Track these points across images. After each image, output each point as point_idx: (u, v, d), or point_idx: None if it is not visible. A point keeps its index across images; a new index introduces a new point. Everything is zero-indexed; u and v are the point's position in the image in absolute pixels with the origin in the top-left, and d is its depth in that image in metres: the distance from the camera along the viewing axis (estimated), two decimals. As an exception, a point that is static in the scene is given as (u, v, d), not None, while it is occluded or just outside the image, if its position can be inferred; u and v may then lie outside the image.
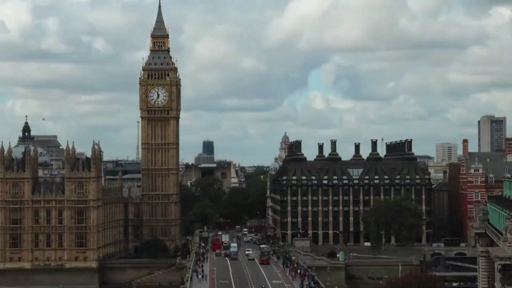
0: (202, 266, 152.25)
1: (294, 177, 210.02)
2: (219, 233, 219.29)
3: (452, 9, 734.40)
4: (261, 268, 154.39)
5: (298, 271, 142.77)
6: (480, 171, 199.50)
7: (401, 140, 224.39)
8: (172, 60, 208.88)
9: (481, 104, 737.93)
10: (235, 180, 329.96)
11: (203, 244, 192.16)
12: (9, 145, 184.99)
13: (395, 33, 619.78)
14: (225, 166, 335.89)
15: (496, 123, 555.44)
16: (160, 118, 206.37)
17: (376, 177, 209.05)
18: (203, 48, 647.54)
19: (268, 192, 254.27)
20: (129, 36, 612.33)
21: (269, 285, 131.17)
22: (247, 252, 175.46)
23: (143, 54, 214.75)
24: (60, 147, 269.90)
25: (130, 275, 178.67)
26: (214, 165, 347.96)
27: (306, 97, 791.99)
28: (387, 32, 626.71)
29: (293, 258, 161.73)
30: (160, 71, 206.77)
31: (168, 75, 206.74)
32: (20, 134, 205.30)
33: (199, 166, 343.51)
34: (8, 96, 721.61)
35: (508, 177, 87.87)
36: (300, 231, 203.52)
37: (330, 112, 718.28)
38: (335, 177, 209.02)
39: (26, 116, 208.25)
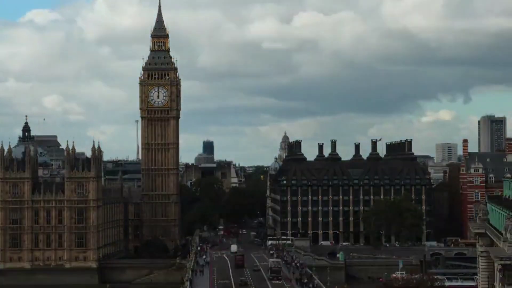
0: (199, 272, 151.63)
1: (294, 177, 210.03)
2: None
3: None
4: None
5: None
6: (480, 171, 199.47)
7: (401, 140, 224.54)
8: (172, 60, 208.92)
9: None
10: (235, 180, 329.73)
11: (203, 246, 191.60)
12: (9, 145, 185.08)
13: None
14: (225, 166, 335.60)
15: (496, 123, 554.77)
16: (160, 118, 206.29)
17: (376, 177, 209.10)
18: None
19: (268, 192, 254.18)
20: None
21: None
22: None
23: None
24: (60, 147, 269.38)
25: (130, 275, 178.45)
26: (214, 165, 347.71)
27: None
28: None
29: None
30: (160, 71, 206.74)
31: (168, 75, 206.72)
32: (20, 134, 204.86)
33: (199, 166, 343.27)
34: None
35: (508, 177, 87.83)
36: (300, 231, 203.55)
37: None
38: (335, 177, 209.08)
39: (26, 116, 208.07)
